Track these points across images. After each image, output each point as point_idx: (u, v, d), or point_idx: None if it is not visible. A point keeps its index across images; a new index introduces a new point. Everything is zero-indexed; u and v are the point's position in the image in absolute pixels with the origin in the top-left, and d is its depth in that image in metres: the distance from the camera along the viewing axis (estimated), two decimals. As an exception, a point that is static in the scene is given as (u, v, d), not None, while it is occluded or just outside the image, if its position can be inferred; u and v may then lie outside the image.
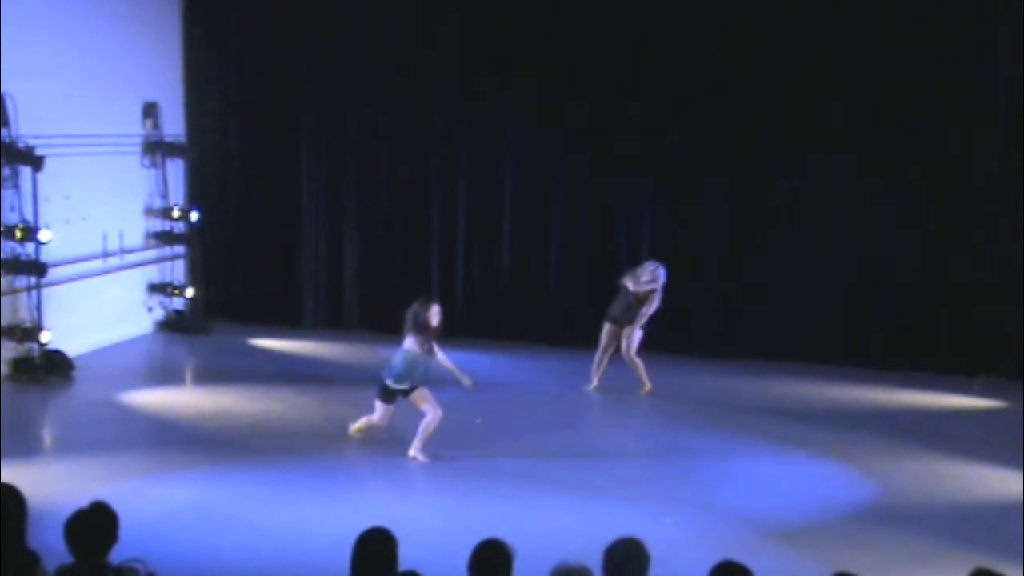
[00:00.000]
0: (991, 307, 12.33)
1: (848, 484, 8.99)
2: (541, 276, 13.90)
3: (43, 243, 11.29)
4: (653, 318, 11.43)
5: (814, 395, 11.89)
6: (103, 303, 12.94)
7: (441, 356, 9.15)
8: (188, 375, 12.90)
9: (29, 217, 11.23)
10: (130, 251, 13.49)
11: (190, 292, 14.11)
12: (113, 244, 13.13)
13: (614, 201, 13.58)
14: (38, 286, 11.44)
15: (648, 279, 11.30)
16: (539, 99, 13.52)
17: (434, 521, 7.76)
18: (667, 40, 13.04)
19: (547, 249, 13.85)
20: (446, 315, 9.45)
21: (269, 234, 14.52)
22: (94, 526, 4.44)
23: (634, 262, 12.10)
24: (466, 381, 9.26)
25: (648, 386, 11.47)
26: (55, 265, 11.62)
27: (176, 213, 13.97)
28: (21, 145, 11.01)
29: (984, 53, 12.14)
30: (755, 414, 10.98)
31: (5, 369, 11.26)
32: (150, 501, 7.87)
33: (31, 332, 11.31)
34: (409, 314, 9.05)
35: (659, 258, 11.90)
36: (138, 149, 13.65)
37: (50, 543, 4.59)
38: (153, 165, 13.88)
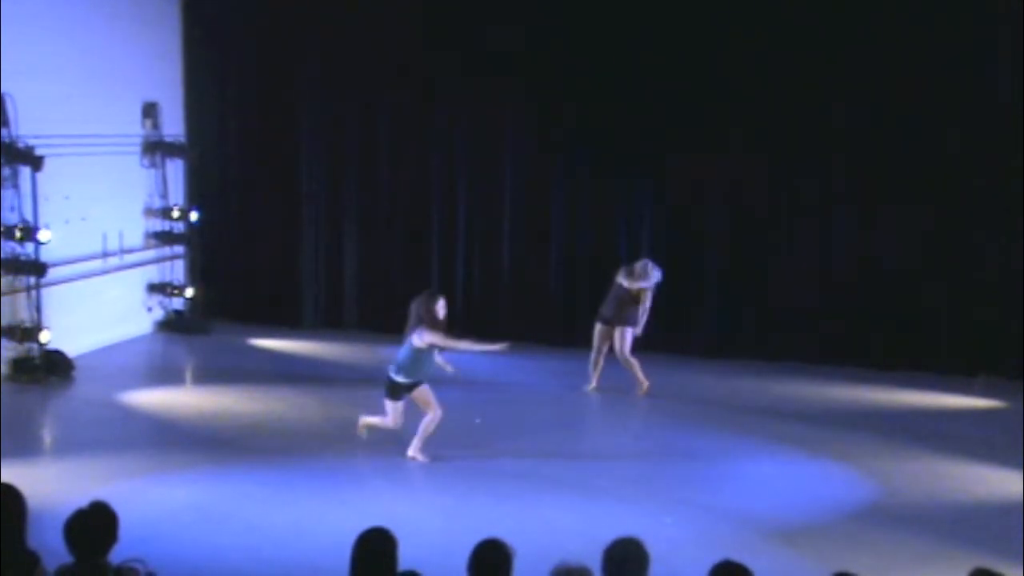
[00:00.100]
0: (991, 307, 12.34)
1: (848, 484, 8.98)
2: (541, 276, 13.90)
3: (43, 243, 11.29)
4: (647, 318, 11.43)
5: (814, 395, 11.89)
6: (103, 303, 12.94)
7: (463, 344, 9.11)
8: (188, 375, 12.90)
9: (29, 217, 11.22)
10: (130, 251, 13.49)
11: (190, 292, 14.11)
12: (113, 244, 13.13)
13: (614, 201, 13.58)
14: (38, 286, 11.44)
15: (642, 277, 11.31)
16: (539, 99, 13.52)
17: (434, 521, 7.77)
18: (667, 40, 13.04)
19: (547, 249, 13.85)
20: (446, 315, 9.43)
21: (269, 234, 14.52)
22: (94, 526, 4.44)
23: (633, 262, 12.09)
24: (498, 347, 9.19)
25: (645, 385, 11.46)
26: (55, 265, 11.63)
27: (176, 213, 13.97)
28: (21, 145, 11.01)
29: (984, 53, 12.14)
30: (755, 414, 10.98)
31: (5, 369, 11.26)
32: (150, 501, 7.87)
33: (31, 332, 11.31)
34: (413, 308, 9.01)
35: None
36: (138, 149, 13.65)
37: (50, 543, 4.59)
38: (153, 165, 13.88)
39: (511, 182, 13.85)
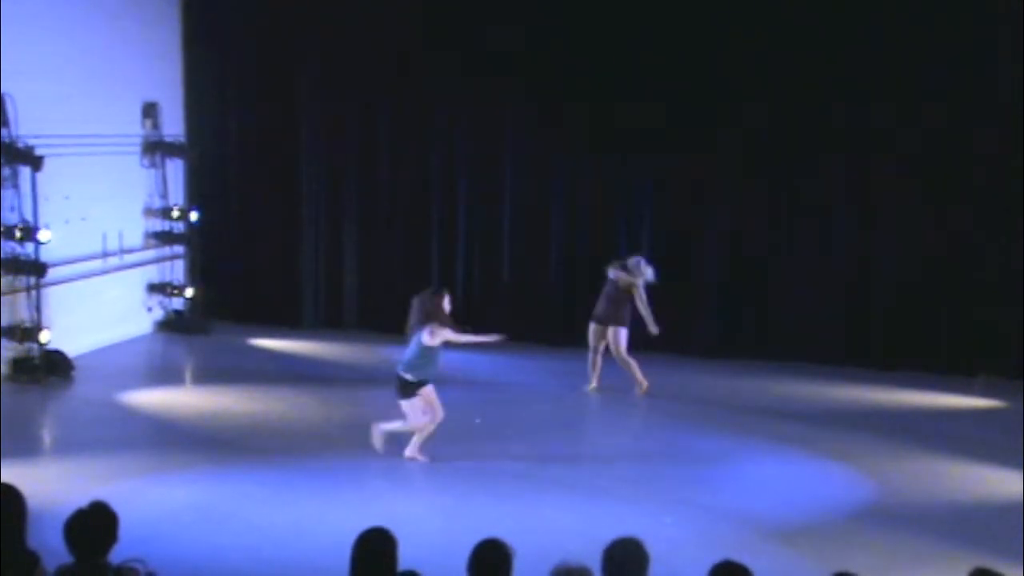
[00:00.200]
0: (991, 307, 12.34)
1: (848, 484, 8.99)
2: (541, 276, 13.91)
3: (43, 243, 11.29)
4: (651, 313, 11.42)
5: (814, 395, 11.89)
6: (103, 303, 12.94)
7: (465, 338, 9.09)
8: (188, 375, 12.90)
9: (29, 217, 11.22)
10: (130, 251, 13.49)
11: (189, 292, 14.11)
12: (113, 244, 13.13)
13: (614, 201, 13.59)
14: (38, 286, 11.44)
15: (634, 272, 11.30)
16: (539, 99, 13.52)
17: (434, 521, 7.77)
18: (667, 40, 13.04)
19: (547, 249, 13.85)
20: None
21: (269, 234, 14.52)
22: (94, 526, 4.44)
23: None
24: (494, 338, 9.23)
25: (645, 385, 11.46)
26: (55, 265, 11.63)
27: (176, 213, 13.97)
28: (21, 145, 11.00)
29: (984, 53, 12.13)
30: (755, 414, 10.98)
31: (5, 369, 11.25)
32: (150, 501, 7.88)
33: (31, 332, 11.31)
34: (418, 306, 8.93)
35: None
36: (138, 149, 13.65)
37: (50, 543, 4.59)
38: (153, 165, 13.88)
39: (511, 182, 13.85)
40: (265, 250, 14.56)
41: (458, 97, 13.83)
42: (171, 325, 14.02)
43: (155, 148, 13.82)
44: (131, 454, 9.17)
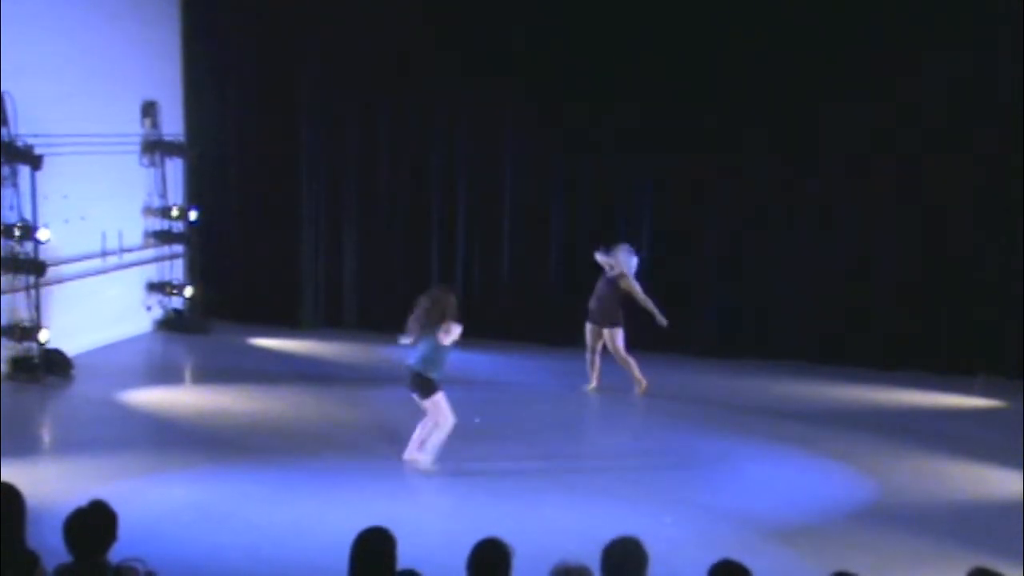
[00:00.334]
0: (991, 307, 12.34)
1: (848, 484, 8.98)
2: (541, 276, 13.90)
3: (42, 242, 11.28)
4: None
5: (814, 395, 11.89)
6: (102, 302, 12.93)
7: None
8: (187, 374, 12.90)
9: (28, 216, 11.21)
10: (129, 250, 13.48)
11: (189, 291, 14.10)
12: (112, 243, 13.12)
13: (614, 201, 13.58)
14: (37, 285, 11.43)
15: (617, 255, 11.28)
16: (539, 99, 13.51)
17: (434, 521, 7.78)
18: (667, 40, 13.04)
19: (547, 249, 13.85)
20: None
21: (269, 234, 14.50)
22: (93, 525, 4.44)
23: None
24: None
25: (644, 384, 11.45)
26: (54, 264, 11.63)
27: (175, 212, 13.96)
28: (20, 144, 10.99)
29: (984, 53, 12.13)
30: (755, 414, 10.98)
31: (4, 368, 11.25)
32: (149, 501, 7.87)
33: (30, 331, 11.30)
34: (429, 305, 8.80)
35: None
36: (137, 148, 13.64)
37: (49, 543, 4.59)
38: (152, 164, 13.87)
39: (511, 182, 13.84)
40: (265, 250, 14.54)
41: (458, 97, 13.82)
42: (170, 324, 14.01)
43: (154, 147, 13.81)
44: (130, 453, 9.16)
